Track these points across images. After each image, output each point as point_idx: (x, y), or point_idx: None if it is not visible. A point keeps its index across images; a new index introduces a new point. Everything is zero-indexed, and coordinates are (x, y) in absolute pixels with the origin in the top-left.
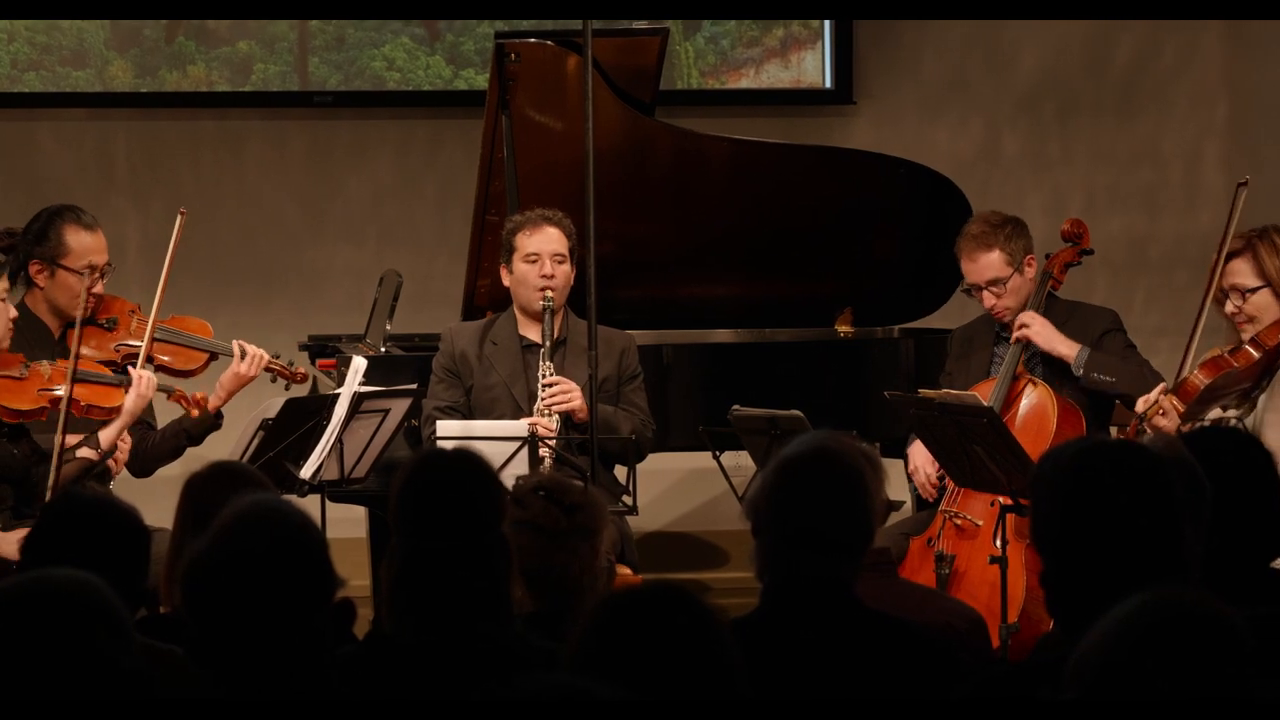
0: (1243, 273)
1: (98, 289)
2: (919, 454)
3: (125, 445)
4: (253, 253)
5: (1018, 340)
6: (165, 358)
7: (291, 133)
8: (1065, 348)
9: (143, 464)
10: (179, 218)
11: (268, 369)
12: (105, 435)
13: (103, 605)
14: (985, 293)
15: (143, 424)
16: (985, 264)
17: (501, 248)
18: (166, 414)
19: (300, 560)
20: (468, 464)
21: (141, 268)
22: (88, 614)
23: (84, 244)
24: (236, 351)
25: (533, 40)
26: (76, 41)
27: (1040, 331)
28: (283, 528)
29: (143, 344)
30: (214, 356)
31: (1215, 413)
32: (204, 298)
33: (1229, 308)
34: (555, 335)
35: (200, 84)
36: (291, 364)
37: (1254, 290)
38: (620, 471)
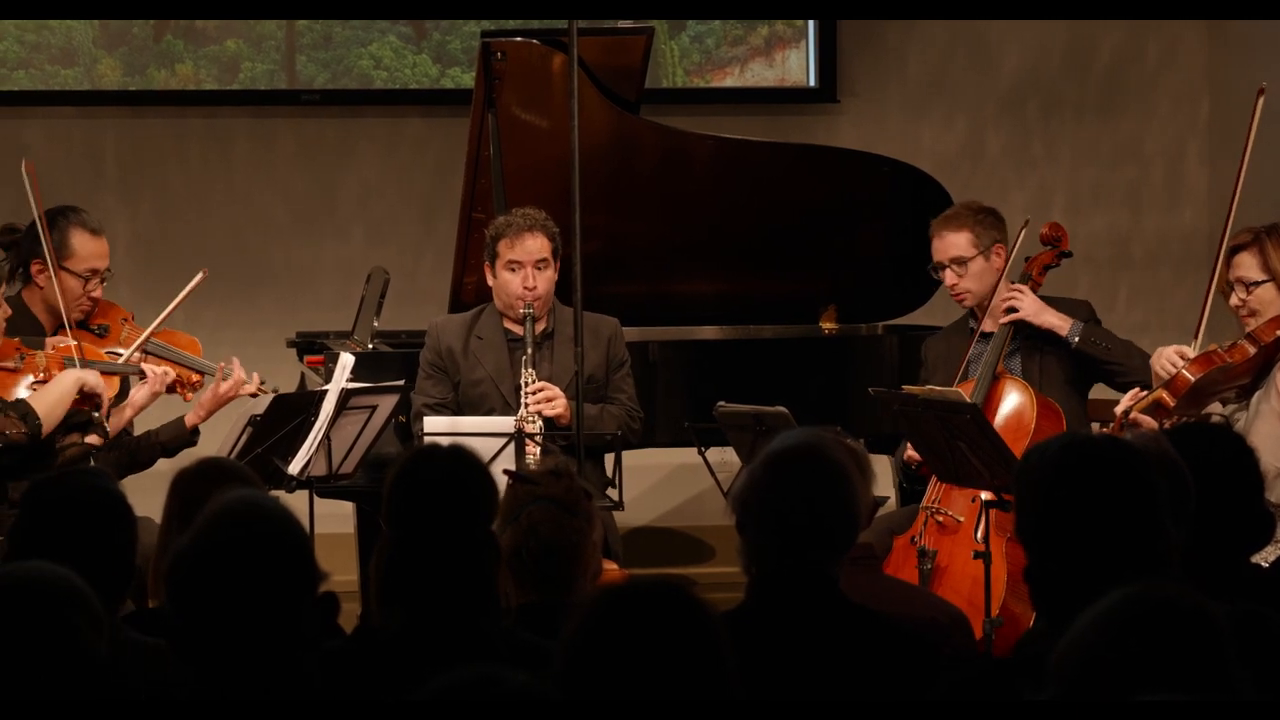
0: (1249, 266)
1: (96, 293)
2: None
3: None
4: (240, 250)
5: (1006, 318)
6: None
7: (279, 131)
8: (1056, 319)
9: (118, 469)
10: (200, 275)
11: (254, 394)
12: (112, 423)
13: (80, 601)
14: (947, 271)
15: (121, 430)
16: (951, 241)
17: (486, 246)
18: (144, 421)
19: (282, 554)
20: (461, 459)
21: (129, 265)
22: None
23: (88, 248)
24: (220, 371)
25: (519, 39)
26: (65, 40)
27: (1030, 305)
28: (264, 523)
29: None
30: (200, 375)
31: (1216, 407)
32: (192, 294)
33: (1234, 300)
34: (537, 336)
35: (188, 82)
36: (276, 390)
37: (1258, 284)
38: (609, 461)
